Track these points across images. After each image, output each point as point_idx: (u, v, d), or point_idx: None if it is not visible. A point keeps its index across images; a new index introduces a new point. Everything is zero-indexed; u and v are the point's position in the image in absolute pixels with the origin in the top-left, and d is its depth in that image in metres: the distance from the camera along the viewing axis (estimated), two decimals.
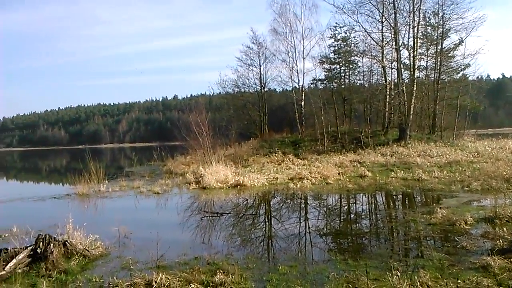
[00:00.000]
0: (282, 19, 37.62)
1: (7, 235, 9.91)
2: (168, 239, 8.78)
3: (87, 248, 7.88)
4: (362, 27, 31.25)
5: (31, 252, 7.23)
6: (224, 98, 44.84)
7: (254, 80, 39.49)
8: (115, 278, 6.28)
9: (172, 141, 51.83)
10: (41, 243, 7.26)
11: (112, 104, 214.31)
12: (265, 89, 39.70)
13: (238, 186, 17.14)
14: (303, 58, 37.29)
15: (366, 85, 37.12)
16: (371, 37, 31.37)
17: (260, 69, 38.82)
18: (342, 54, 36.28)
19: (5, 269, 6.68)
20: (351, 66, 37.35)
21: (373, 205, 13.50)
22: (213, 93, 51.69)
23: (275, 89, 45.16)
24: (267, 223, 11.39)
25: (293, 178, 18.48)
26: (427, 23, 33.04)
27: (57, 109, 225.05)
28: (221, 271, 6.29)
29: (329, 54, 37.04)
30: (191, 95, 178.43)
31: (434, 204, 11.69)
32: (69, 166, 45.81)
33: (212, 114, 26.19)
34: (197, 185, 17.94)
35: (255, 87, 39.82)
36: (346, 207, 13.45)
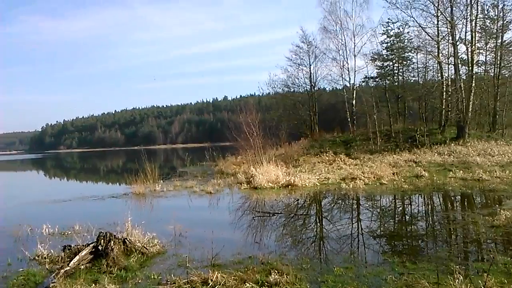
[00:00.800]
0: (332, 16, 37.16)
1: (70, 232, 10.45)
2: (221, 238, 8.92)
3: (145, 245, 8.15)
4: (416, 22, 30.29)
5: (93, 249, 7.57)
6: (273, 98, 44.91)
7: (304, 79, 39.30)
8: (172, 275, 6.45)
9: (222, 142, 52.58)
10: (102, 240, 7.59)
11: (165, 106, 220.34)
12: (315, 88, 39.37)
13: (289, 186, 17.10)
14: (354, 56, 36.68)
15: (421, 82, 35.89)
16: (426, 32, 30.31)
17: (310, 68, 38.57)
18: (395, 50, 35.26)
19: (69, 265, 7.03)
20: (404, 62, 36.20)
21: (430, 207, 13.03)
22: (263, 93, 51.84)
23: (325, 88, 44.62)
24: (319, 224, 11.28)
25: (345, 178, 18.20)
26: (486, 16, 31.40)
27: (113, 112, 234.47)
28: (276, 271, 6.29)
29: (381, 51, 36.11)
30: (240, 95, 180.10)
31: (496, 206, 11.10)
32: (125, 167, 47.60)
33: (261, 114, 26.28)
34: (248, 185, 18.08)
35: (305, 86, 39.59)
36: (400, 208, 13.07)
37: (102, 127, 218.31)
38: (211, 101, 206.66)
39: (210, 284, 5.95)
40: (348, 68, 36.98)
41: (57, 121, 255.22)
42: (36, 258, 8.13)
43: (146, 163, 20.80)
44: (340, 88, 39.54)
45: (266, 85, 44.73)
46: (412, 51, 34.91)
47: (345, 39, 36.89)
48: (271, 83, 40.85)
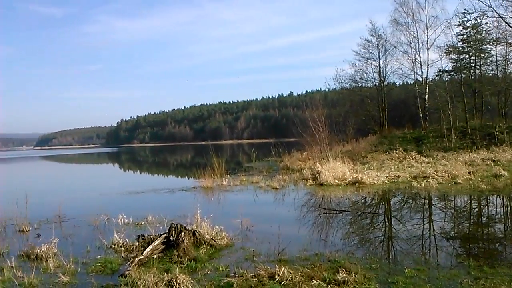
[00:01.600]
0: (404, 8, 35.79)
1: (143, 223, 10.96)
2: (287, 233, 8.92)
3: (213, 238, 8.36)
4: (496, 12, 28.22)
5: (165, 240, 7.88)
6: (340, 94, 44.07)
7: (373, 74, 38.23)
8: (240, 268, 6.55)
9: (288, 138, 52.50)
10: (173, 231, 7.89)
11: (231, 102, 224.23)
12: (385, 83, 38.15)
13: (356, 184, 16.74)
14: (427, 49, 35.10)
15: (500, 76, 33.57)
16: (506, 23, 28.20)
17: (379, 62, 37.46)
18: (472, 42, 33.26)
19: (143, 254, 7.37)
20: (482, 55, 34.06)
21: (510, 208, 12.17)
22: (329, 88, 50.94)
23: (395, 82, 43.08)
24: (387, 223, 10.92)
25: (417, 177, 17.47)
26: None
27: (183, 108, 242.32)
28: (343, 269, 6.18)
29: (456, 43, 34.25)
30: (306, 91, 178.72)
31: None
32: (193, 161, 49.10)
33: (328, 110, 25.92)
34: (314, 182, 17.93)
35: (374, 81, 38.53)
36: (477, 210, 12.32)
37: (172, 123, 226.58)
38: (276, 97, 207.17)
39: (276, 279, 5.97)
40: (420, 61, 35.52)
41: (131, 117, 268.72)
42: (113, 246, 8.61)
43: (214, 158, 21.30)
44: (411, 82, 38.04)
45: (333, 80, 43.95)
46: (491, 43, 32.80)
47: (417, 32, 35.42)
48: (338, 78, 40.12)
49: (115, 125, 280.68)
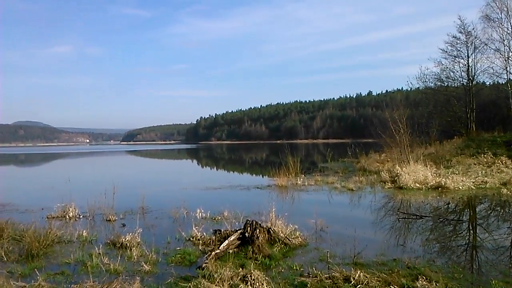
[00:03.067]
0: (497, 3, 33.17)
1: (220, 218, 11.28)
2: (363, 237, 8.70)
3: (288, 237, 8.39)
4: None
5: (240, 236, 8.03)
6: (423, 93, 41.93)
7: (461, 72, 35.89)
8: (314, 268, 6.50)
9: (365, 138, 51.14)
10: (248, 228, 8.02)
11: (307, 101, 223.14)
12: (473, 83, 35.71)
13: (439, 188, 15.89)
14: None
15: None
16: None
17: (467, 60, 35.05)
18: None
19: (220, 248, 7.57)
20: None
21: None
22: (411, 88, 48.70)
23: (485, 82, 40.11)
24: (472, 231, 10.24)
25: (507, 183, 16.21)
26: None
27: (259, 107, 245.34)
28: (423, 277, 5.90)
29: None
30: (386, 90, 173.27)
31: None
32: (268, 159, 49.53)
33: (410, 110, 24.80)
34: (393, 185, 17.31)
35: (461, 80, 36.13)
36: None
37: (248, 121, 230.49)
38: (354, 96, 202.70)
39: (352, 282, 5.85)
40: None
41: (209, 115, 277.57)
42: (191, 239, 8.95)
43: (289, 157, 21.34)
44: (503, 82, 35.22)
45: (416, 79, 41.85)
46: None
47: (511, 28, 32.72)
48: (422, 77, 38.15)
49: (195, 122, 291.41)
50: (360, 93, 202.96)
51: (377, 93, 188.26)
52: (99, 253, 7.61)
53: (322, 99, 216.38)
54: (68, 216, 12.08)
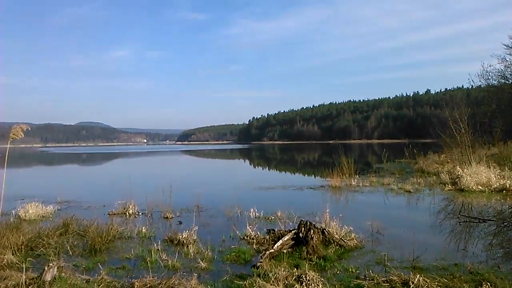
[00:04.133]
0: None
1: (273, 218, 11.30)
2: (421, 240, 8.40)
3: (342, 238, 8.26)
4: None
5: (294, 236, 8.01)
6: (486, 91, 39.85)
7: None
8: (370, 271, 6.36)
9: (423, 138, 49.39)
10: (302, 228, 7.98)
11: (361, 100, 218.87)
12: None
13: (503, 191, 15.04)
14: None
15: None
16: None
17: None
18: None
19: (274, 247, 7.59)
20: None
21: None
22: (472, 86, 46.37)
23: None
24: None
25: None
26: None
27: (311, 107, 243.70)
28: (488, 283, 5.61)
29: None
30: (445, 89, 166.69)
31: None
32: (320, 160, 49.06)
33: (471, 109, 23.58)
34: (453, 187, 16.59)
35: None
36: None
37: (300, 121, 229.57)
38: (411, 95, 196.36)
39: (411, 287, 5.67)
40: None
41: (261, 115, 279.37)
42: (245, 237, 9.04)
43: (342, 157, 21.01)
44: None
45: (478, 76, 39.85)
46: None
47: None
48: (484, 75, 36.24)
49: (247, 123, 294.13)
50: (418, 91, 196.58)
51: (436, 91, 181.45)
52: (158, 249, 7.86)
53: (377, 98, 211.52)
54: (128, 213, 12.58)
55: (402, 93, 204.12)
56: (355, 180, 19.03)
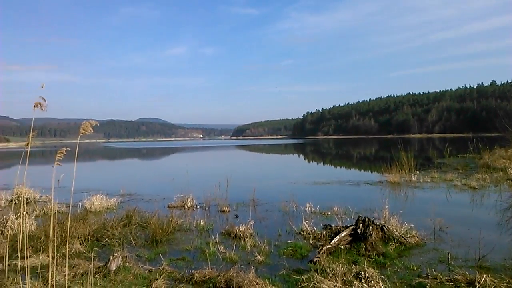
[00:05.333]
0: None
1: (329, 213, 11.17)
2: (487, 238, 7.96)
3: (403, 235, 8.01)
4: None
5: (352, 232, 7.87)
6: None
7: None
8: (433, 270, 6.13)
9: (488, 132, 46.88)
10: (361, 224, 7.82)
11: (421, 93, 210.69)
12: None
13: None
14: None
15: None
16: None
17: None
18: None
19: (331, 243, 7.50)
20: None
21: None
22: None
23: None
24: None
25: None
26: None
27: (368, 100, 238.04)
28: None
29: None
30: None
31: None
32: (377, 155, 47.85)
33: None
34: None
35: None
36: None
37: (356, 115, 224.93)
38: (475, 87, 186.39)
39: (477, 287, 5.40)
40: None
41: (316, 110, 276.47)
42: (301, 232, 9.01)
43: (402, 152, 20.36)
44: None
45: None
46: None
47: None
48: None
49: (301, 117, 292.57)
50: (482, 83, 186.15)
51: (502, 82, 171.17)
52: (216, 242, 8.02)
53: (438, 91, 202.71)
54: (187, 206, 12.93)
55: (465, 85, 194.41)
56: (415, 175, 18.38)
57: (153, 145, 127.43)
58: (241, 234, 8.76)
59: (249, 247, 7.89)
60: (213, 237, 8.39)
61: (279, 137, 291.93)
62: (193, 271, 6.33)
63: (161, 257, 7.22)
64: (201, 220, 10.26)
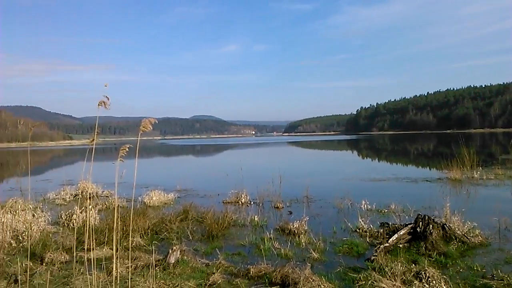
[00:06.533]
0: None
1: (386, 211, 10.90)
2: None
3: (465, 234, 7.66)
4: None
5: (411, 230, 7.62)
6: None
7: None
8: (499, 271, 5.82)
9: None
10: (420, 222, 7.55)
11: (483, 86, 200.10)
12: None
13: None
14: None
15: None
16: None
17: None
18: None
19: (388, 241, 7.30)
20: None
21: None
22: None
23: None
24: None
25: None
26: None
27: (425, 94, 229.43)
28: None
29: None
30: None
31: None
32: (436, 151, 46.01)
33: None
34: None
35: None
36: None
37: (413, 110, 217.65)
38: None
39: None
40: None
41: (370, 105, 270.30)
42: (357, 230, 8.85)
43: (463, 148, 19.44)
44: None
45: None
46: None
47: None
48: None
49: (355, 113, 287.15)
50: None
51: None
52: (270, 238, 8.05)
53: (502, 83, 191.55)
54: (241, 202, 13.07)
55: None
56: (478, 172, 17.50)
57: (206, 142, 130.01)
58: (295, 231, 8.74)
59: (303, 244, 7.85)
60: (268, 233, 8.42)
61: (332, 133, 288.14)
62: (248, 266, 6.38)
63: (217, 251, 7.35)
64: (255, 216, 10.34)
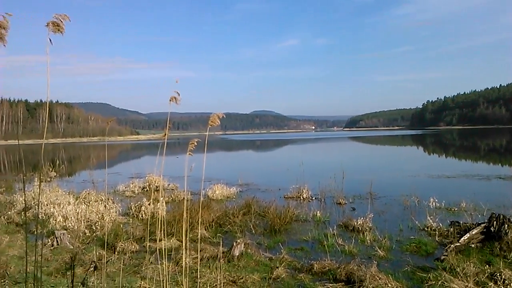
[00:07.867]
0: None
1: (456, 209, 10.40)
2: None
3: None
4: None
5: (484, 230, 7.22)
6: None
7: None
8: None
9: None
10: (494, 222, 7.13)
11: None
12: None
13: None
14: None
15: None
16: None
17: None
18: None
19: (460, 241, 6.97)
20: None
21: None
22: None
23: None
24: None
25: None
26: None
27: (498, 87, 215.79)
28: None
29: None
30: None
31: None
32: (509, 147, 43.26)
33: None
34: None
35: None
36: None
37: (484, 103, 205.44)
38: None
39: None
40: None
41: (437, 98, 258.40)
42: (425, 229, 8.53)
43: None
44: None
45: None
46: None
47: None
48: None
49: (420, 107, 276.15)
50: None
51: None
52: (334, 234, 7.96)
53: None
54: (302, 197, 13.03)
55: None
56: None
57: (266, 137, 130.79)
58: (360, 227, 8.58)
59: (368, 241, 7.69)
60: (330, 229, 8.34)
61: (396, 128, 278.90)
62: (312, 261, 6.36)
63: (280, 246, 7.38)
64: (317, 212, 10.26)
